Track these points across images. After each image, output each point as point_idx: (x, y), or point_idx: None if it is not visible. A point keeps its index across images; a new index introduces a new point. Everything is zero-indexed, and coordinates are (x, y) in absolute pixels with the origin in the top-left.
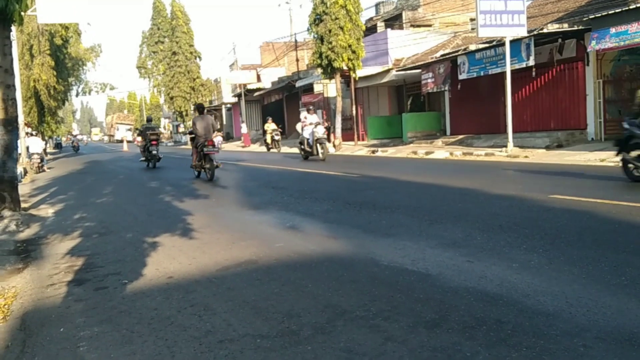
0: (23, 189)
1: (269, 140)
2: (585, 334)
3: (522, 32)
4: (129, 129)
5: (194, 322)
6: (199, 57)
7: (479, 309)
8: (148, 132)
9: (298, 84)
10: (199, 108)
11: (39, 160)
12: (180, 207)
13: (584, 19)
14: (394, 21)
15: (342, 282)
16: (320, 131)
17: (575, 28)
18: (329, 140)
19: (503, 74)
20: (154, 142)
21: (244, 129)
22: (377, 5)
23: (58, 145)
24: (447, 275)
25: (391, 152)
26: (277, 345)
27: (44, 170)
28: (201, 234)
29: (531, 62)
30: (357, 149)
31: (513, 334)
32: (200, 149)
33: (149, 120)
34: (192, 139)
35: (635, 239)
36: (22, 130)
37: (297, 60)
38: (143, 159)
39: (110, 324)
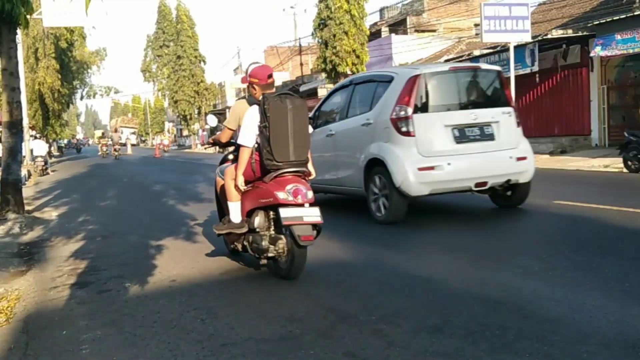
0: (27, 191)
1: None
2: (589, 340)
3: (527, 38)
4: (133, 133)
5: (197, 325)
6: (204, 61)
7: (482, 314)
8: (100, 139)
9: (302, 88)
10: (116, 130)
11: (42, 163)
12: (184, 210)
13: (589, 24)
14: (398, 26)
15: (345, 287)
16: None
17: (580, 34)
18: None
19: (507, 79)
20: (104, 145)
21: None
22: (381, 10)
23: (60, 149)
24: (451, 280)
25: None
26: (280, 350)
27: (47, 173)
28: (204, 238)
29: (535, 68)
30: None
31: (516, 339)
32: (114, 145)
33: (103, 133)
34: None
35: (639, 245)
36: (27, 133)
37: (302, 64)
38: (100, 153)
39: (113, 327)
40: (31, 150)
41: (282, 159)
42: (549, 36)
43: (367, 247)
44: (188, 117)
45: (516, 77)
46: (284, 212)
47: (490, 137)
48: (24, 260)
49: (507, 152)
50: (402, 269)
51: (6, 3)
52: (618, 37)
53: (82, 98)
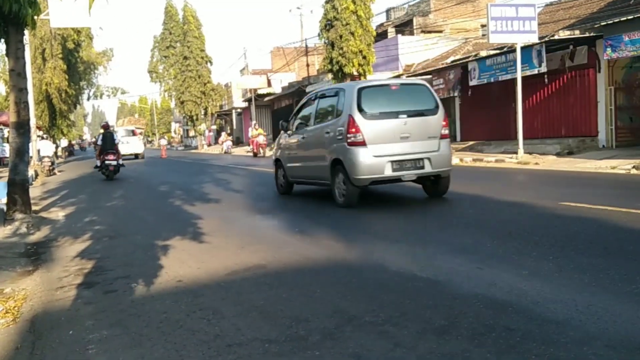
0: (34, 191)
1: None
2: (595, 342)
3: (533, 39)
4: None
5: (203, 326)
6: (210, 62)
7: (488, 315)
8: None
9: (308, 89)
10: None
11: (49, 163)
12: (190, 210)
13: (596, 25)
14: (404, 27)
15: (350, 288)
16: None
17: (587, 35)
18: None
19: (514, 80)
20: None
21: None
22: (387, 11)
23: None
24: (457, 281)
25: None
26: (286, 350)
27: (54, 173)
28: (210, 238)
29: (542, 69)
30: None
31: (522, 341)
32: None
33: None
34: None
35: None
36: (34, 133)
37: (308, 65)
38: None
39: (119, 327)
40: (38, 151)
41: (105, 148)
42: (556, 37)
43: (372, 248)
44: (195, 117)
45: (523, 78)
46: (107, 161)
47: None
48: (31, 260)
49: None
50: (407, 269)
51: (14, 4)
52: (626, 38)
53: (89, 98)
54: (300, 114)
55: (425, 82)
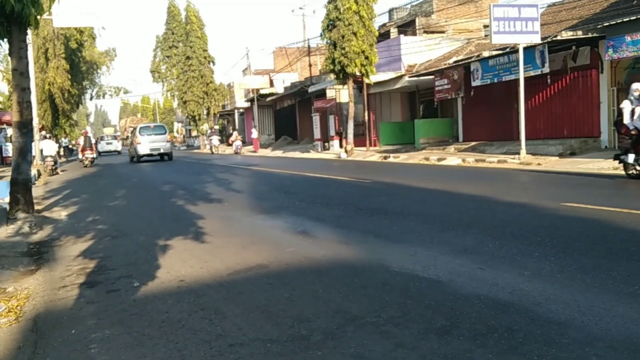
0: (37, 191)
1: None
2: (598, 343)
3: (536, 39)
4: None
5: (205, 325)
6: (213, 62)
7: (490, 316)
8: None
9: (311, 89)
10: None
11: (52, 163)
12: (193, 210)
13: (598, 26)
14: (407, 27)
15: (352, 288)
16: None
17: (590, 35)
18: (341, 145)
19: (516, 80)
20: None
21: (254, 134)
22: (390, 11)
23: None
24: (459, 282)
25: (403, 158)
26: (287, 350)
27: (57, 173)
28: (213, 238)
29: (545, 69)
30: (369, 154)
31: (524, 342)
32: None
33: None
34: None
35: None
36: (37, 133)
37: (310, 65)
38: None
39: (121, 326)
40: (41, 150)
41: (85, 147)
42: (559, 37)
43: (374, 249)
44: (197, 117)
45: (526, 78)
46: (86, 155)
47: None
48: (34, 259)
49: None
50: (409, 270)
51: (16, 3)
52: (628, 38)
53: (91, 98)
54: (133, 133)
55: (163, 124)
